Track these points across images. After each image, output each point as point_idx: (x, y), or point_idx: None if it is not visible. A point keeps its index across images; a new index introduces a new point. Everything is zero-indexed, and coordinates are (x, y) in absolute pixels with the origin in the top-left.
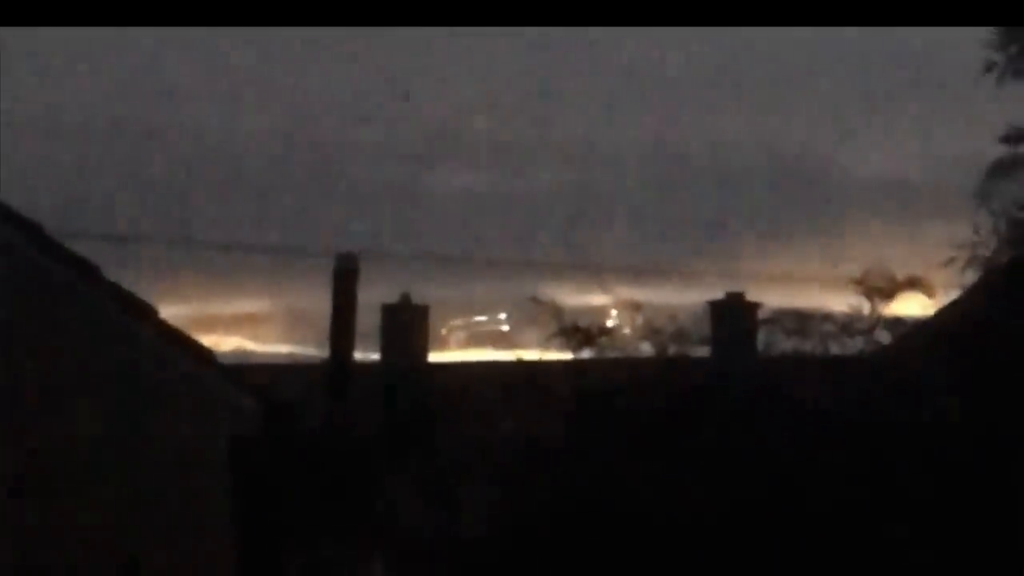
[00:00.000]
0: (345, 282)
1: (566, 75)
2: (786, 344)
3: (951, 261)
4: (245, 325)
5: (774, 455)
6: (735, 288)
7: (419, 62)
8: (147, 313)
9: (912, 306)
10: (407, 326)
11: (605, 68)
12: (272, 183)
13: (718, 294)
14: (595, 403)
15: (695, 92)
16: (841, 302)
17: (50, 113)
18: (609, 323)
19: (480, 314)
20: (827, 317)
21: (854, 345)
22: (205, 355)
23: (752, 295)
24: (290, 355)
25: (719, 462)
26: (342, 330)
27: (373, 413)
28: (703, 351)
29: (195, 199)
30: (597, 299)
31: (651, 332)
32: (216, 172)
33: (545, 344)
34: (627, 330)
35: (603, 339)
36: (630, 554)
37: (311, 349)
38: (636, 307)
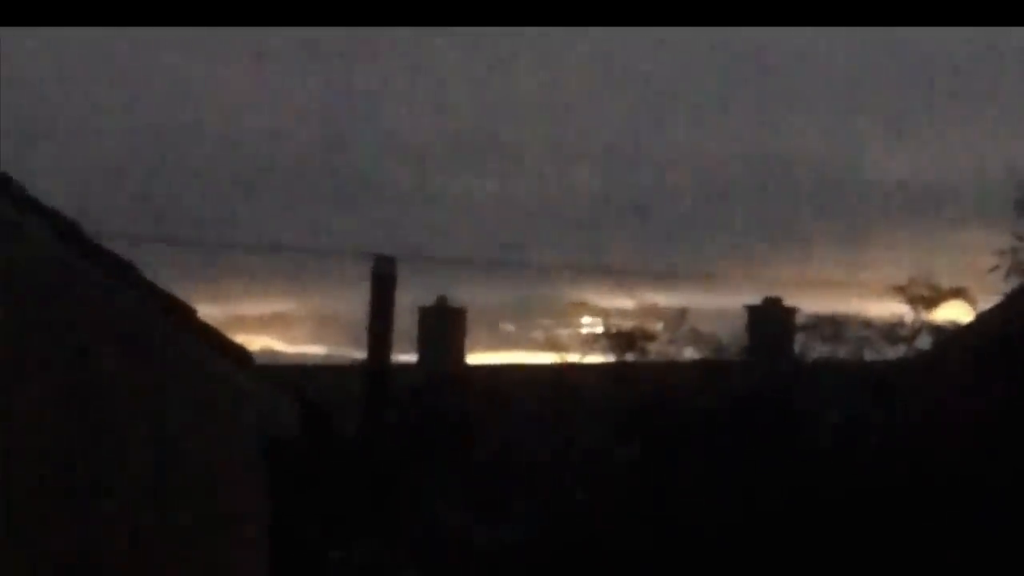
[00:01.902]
0: (383, 285)
1: (597, 81)
2: (823, 350)
3: (995, 268)
4: (273, 325)
5: (811, 462)
6: (767, 293)
7: (448, 64)
8: (185, 313)
9: (954, 315)
10: (445, 328)
11: (635, 74)
12: (298, 185)
13: (747, 299)
14: (635, 409)
15: (724, 98)
16: (875, 308)
17: (79, 115)
18: (648, 328)
19: (515, 317)
20: (866, 324)
21: (894, 352)
22: (242, 356)
23: (784, 301)
24: (319, 356)
25: (757, 468)
26: (380, 332)
27: (411, 416)
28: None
29: (221, 200)
30: (633, 304)
31: (693, 337)
32: (243, 174)
33: (585, 348)
34: (662, 334)
35: (643, 344)
36: (669, 559)
37: (340, 349)
38: (681, 314)
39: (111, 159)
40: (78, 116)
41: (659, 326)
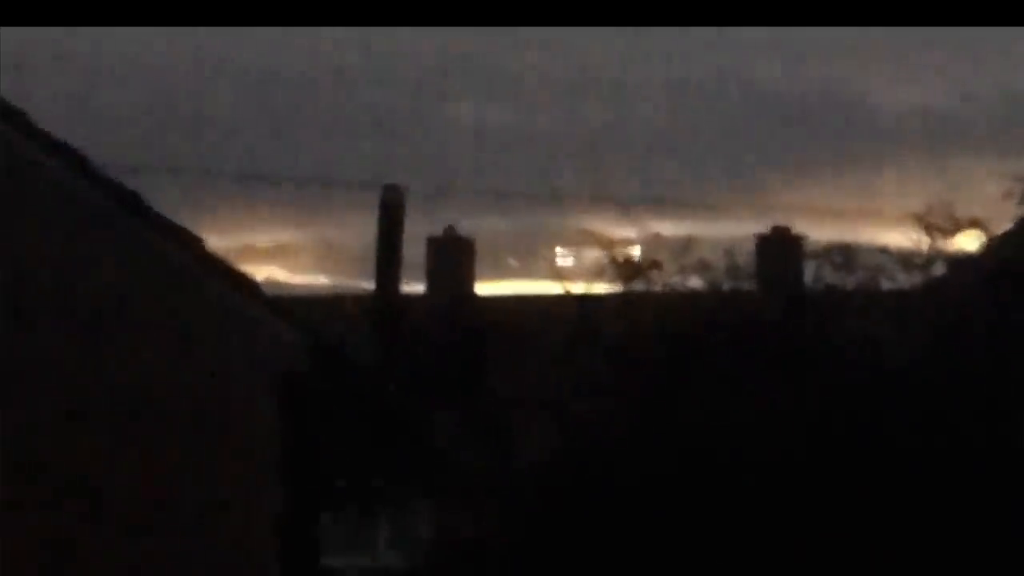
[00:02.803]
0: (391, 214)
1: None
2: (835, 278)
3: (1010, 194)
4: (279, 256)
5: (822, 390)
6: (772, 223)
7: None
8: (193, 244)
9: (968, 244)
10: (453, 259)
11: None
12: (304, 116)
13: (753, 228)
14: (643, 338)
15: (727, 28)
16: (884, 237)
17: (85, 48)
18: (655, 257)
19: (522, 247)
20: (882, 251)
21: (909, 280)
22: (251, 287)
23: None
24: (325, 286)
25: (769, 397)
26: (388, 262)
27: (421, 347)
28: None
29: (223, 130)
30: (639, 233)
31: (701, 266)
32: (249, 105)
33: (593, 277)
34: (669, 263)
35: (652, 272)
36: (680, 490)
37: (346, 280)
38: (687, 243)
39: (114, 91)
40: (79, 49)
41: (666, 255)
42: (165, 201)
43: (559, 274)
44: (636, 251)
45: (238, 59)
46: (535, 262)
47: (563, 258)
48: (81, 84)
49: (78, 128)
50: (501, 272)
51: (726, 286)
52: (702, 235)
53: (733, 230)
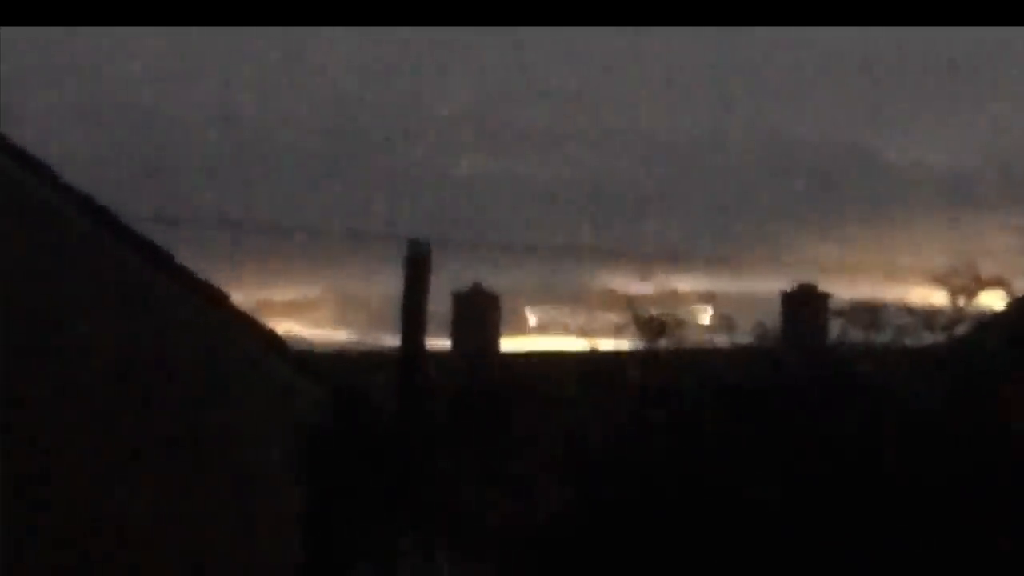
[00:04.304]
0: (417, 269)
1: (617, 67)
2: (860, 336)
3: None
4: (296, 310)
5: (846, 448)
6: (787, 278)
7: (474, 45)
8: (219, 300)
9: (994, 303)
10: (479, 314)
11: (653, 59)
12: (313, 169)
13: (777, 285)
14: (665, 395)
15: (747, 82)
16: (910, 294)
17: (91, 97)
18: (681, 315)
19: (546, 302)
20: (908, 310)
21: (933, 339)
22: (276, 342)
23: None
24: (346, 341)
25: (791, 454)
26: (414, 317)
27: (446, 402)
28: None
29: (235, 183)
30: (662, 290)
31: (725, 323)
32: (258, 158)
33: (617, 334)
34: (699, 321)
35: (677, 330)
36: (700, 544)
37: (366, 335)
38: (710, 298)
39: (134, 143)
40: (98, 98)
41: (692, 313)
42: (182, 253)
43: (584, 330)
44: (661, 308)
45: (254, 110)
46: (559, 318)
47: (588, 314)
48: (95, 132)
49: (89, 175)
50: (524, 327)
51: (752, 343)
52: (723, 291)
53: (753, 286)
